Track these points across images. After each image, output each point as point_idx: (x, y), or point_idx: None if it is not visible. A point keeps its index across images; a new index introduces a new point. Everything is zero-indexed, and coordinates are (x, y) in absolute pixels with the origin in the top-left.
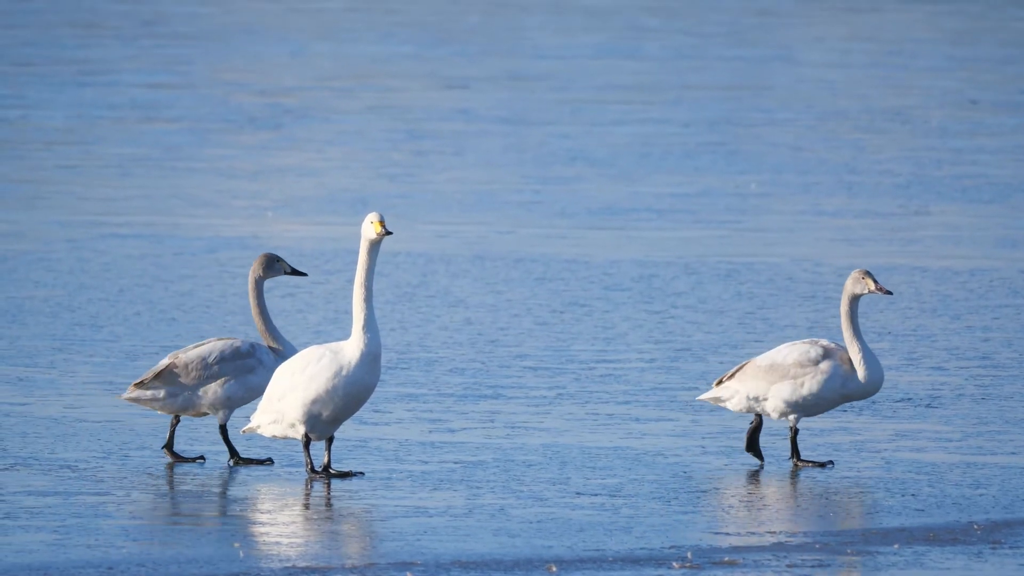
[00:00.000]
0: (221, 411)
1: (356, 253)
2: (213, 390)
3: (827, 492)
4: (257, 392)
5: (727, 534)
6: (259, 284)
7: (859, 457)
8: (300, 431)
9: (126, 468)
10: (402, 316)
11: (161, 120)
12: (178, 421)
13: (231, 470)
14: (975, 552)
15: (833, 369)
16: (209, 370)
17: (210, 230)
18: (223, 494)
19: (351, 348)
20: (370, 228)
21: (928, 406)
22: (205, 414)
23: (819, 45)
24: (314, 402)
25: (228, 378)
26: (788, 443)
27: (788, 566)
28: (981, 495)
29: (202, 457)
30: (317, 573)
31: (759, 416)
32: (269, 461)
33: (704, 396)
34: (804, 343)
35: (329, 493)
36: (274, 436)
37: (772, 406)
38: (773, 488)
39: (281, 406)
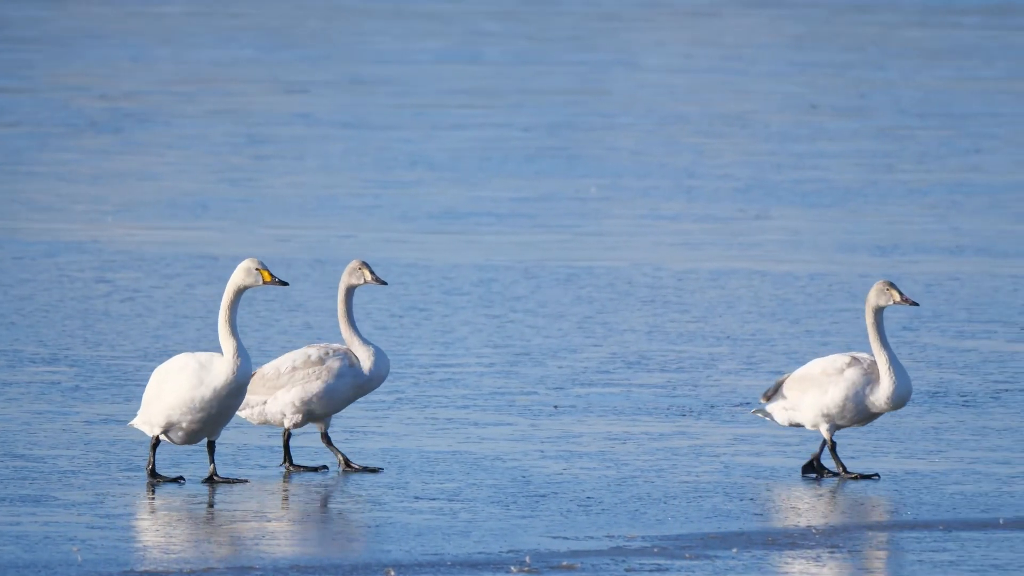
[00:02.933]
0: (288, 417)
1: (195, 258)
2: (281, 397)
3: (666, 496)
4: (325, 400)
5: (565, 538)
6: (348, 293)
7: (698, 461)
8: (156, 431)
9: None
10: (241, 320)
11: (1, 124)
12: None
13: (68, 474)
14: (813, 556)
15: (857, 377)
16: (280, 379)
17: (50, 234)
18: (62, 498)
19: (221, 370)
20: (256, 275)
21: None
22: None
23: (660, 50)
24: (172, 409)
25: (296, 385)
26: (629, 447)
27: (627, 570)
28: (819, 499)
29: (325, 466)
30: None
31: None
32: (324, 468)
33: (755, 411)
34: (837, 355)
35: (168, 498)
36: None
37: (803, 415)
38: (611, 493)
39: (150, 409)
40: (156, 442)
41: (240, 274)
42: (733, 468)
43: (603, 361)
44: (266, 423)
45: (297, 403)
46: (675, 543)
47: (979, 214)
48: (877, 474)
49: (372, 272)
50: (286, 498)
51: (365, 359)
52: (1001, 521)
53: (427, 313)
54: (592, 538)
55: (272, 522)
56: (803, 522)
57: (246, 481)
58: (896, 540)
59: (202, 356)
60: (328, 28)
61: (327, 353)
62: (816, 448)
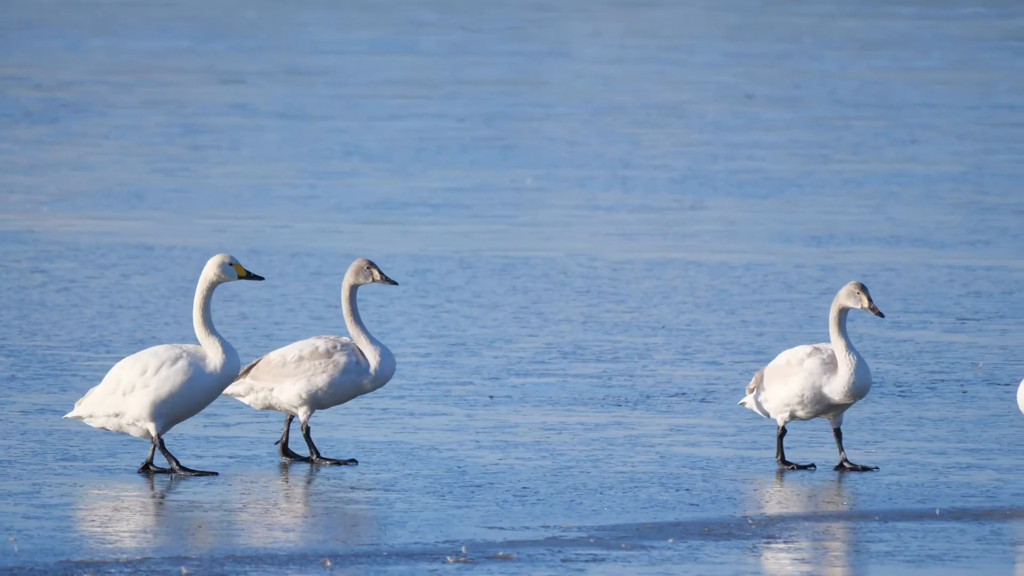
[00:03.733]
0: (299, 409)
1: (131, 248)
2: (288, 388)
3: (602, 487)
4: (329, 394)
5: (501, 528)
6: (352, 291)
7: (633, 451)
8: (149, 429)
9: None
10: (176, 311)
11: None
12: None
13: (4, 463)
14: (749, 547)
15: (815, 367)
16: (286, 368)
17: None
18: None
19: (214, 366)
20: (230, 271)
21: (703, 400)
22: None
23: (596, 40)
24: (164, 403)
25: (302, 378)
26: (564, 438)
27: (563, 560)
28: (755, 490)
29: (354, 460)
30: (92, 568)
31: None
32: (353, 462)
33: (740, 402)
34: (802, 346)
35: (105, 488)
36: (104, 428)
37: (770, 406)
38: (547, 483)
39: (126, 401)
40: (161, 440)
41: (211, 269)
42: (669, 458)
43: (538, 351)
44: (269, 408)
45: (304, 395)
46: (611, 533)
47: (915, 204)
48: (813, 464)
49: (381, 272)
50: (222, 488)
51: (372, 358)
52: (937, 512)
53: (362, 303)
54: (528, 528)
55: (208, 512)
56: (739, 512)
57: (215, 474)
58: (832, 530)
59: (188, 348)
60: (264, 18)
61: (335, 347)
62: (837, 449)
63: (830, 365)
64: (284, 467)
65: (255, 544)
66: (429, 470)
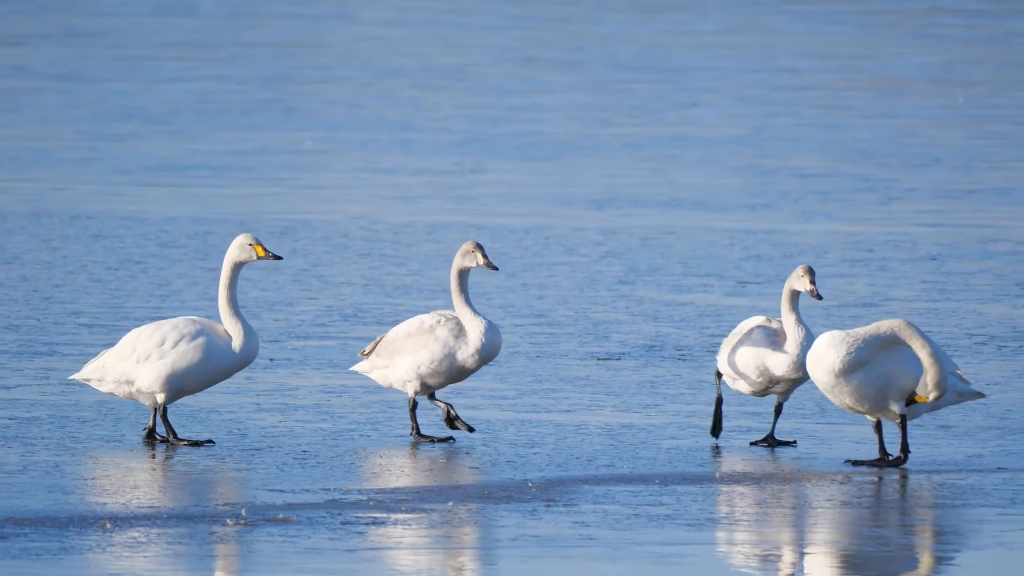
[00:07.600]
0: (407, 385)
1: None
2: (398, 365)
3: (383, 451)
4: (432, 369)
5: (281, 491)
6: (461, 274)
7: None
8: (159, 399)
9: None
10: None
11: None
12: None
13: None
14: (529, 510)
15: (761, 339)
16: (396, 344)
17: None
18: None
19: (233, 343)
20: (249, 251)
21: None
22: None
23: (377, 3)
24: (177, 377)
25: (408, 354)
26: (344, 401)
27: (343, 523)
28: (535, 453)
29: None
30: None
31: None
32: (451, 439)
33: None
34: (756, 316)
35: None
36: (112, 393)
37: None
38: (327, 446)
39: (139, 369)
40: (164, 410)
41: (235, 250)
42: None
43: (319, 314)
44: (391, 387)
45: (409, 371)
46: (391, 496)
47: (695, 168)
48: (795, 441)
49: (485, 256)
50: (2, 452)
51: (475, 333)
52: (717, 475)
53: (143, 266)
54: (308, 491)
55: None
56: (519, 475)
57: (212, 442)
58: (612, 494)
59: (207, 324)
60: None
61: (438, 322)
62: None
63: (774, 337)
64: (63, 429)
65: (35, 507)
66: (209, 433)
